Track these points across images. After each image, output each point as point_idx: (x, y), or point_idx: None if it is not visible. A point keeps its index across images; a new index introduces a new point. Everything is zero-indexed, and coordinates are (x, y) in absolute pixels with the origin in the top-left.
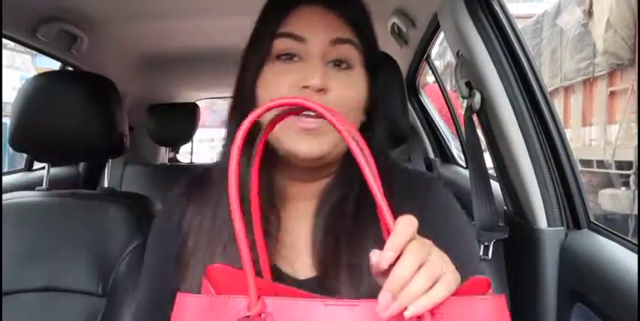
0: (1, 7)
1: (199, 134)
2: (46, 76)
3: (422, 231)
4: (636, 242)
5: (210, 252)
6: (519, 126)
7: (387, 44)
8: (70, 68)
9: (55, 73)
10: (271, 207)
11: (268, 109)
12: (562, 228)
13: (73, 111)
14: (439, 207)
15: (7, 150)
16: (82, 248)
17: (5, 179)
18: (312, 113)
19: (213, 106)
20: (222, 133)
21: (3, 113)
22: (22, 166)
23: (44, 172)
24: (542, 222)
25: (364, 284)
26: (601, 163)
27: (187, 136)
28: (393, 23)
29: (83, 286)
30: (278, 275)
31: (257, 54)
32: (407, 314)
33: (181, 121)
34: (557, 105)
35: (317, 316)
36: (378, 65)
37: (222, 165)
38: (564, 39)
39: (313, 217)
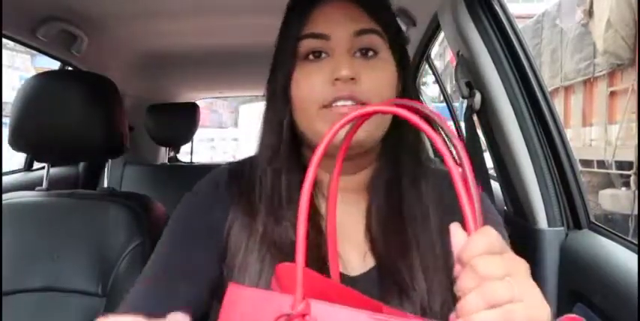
0: (1, 7)
1: (199, 134)
2: (45, 76)
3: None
4: (636, 242)
5: (261, 255)
6: (519, 126)
7: None
8: (70, 68)
9: (55, 73)
10: (315, 203)
11: (361, 116)
12: (562, 228)
13: (73, 111)
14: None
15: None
16: (82, 248)
17: (5, 179)
18: (345, 98)
19: (213, 106)
20: (222, 133)
21: (3, 113)
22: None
23: (44, 172)
24: (542, 222)
25: (429, 279)
26: (601, 163)
27: (187, 136)
28: None
29: (83, 286)
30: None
31: (286, 55)
32: None
33: (181, 121)
34: (558, 105)
35: None
36: (404, 51)
37: (260, 163)
38: (564, 39)
39: (366, 210)
